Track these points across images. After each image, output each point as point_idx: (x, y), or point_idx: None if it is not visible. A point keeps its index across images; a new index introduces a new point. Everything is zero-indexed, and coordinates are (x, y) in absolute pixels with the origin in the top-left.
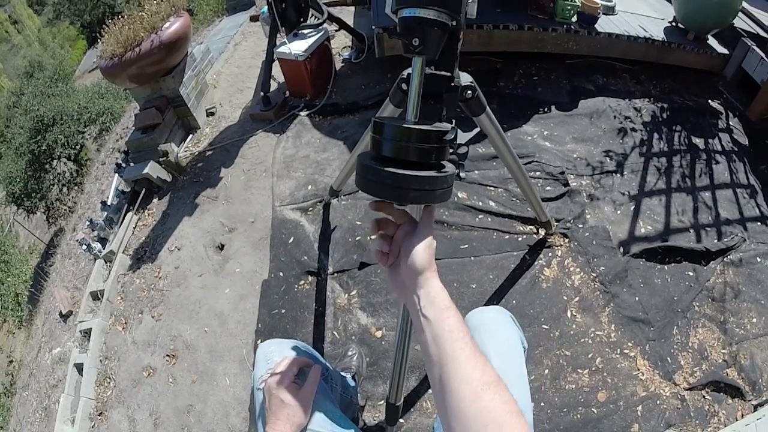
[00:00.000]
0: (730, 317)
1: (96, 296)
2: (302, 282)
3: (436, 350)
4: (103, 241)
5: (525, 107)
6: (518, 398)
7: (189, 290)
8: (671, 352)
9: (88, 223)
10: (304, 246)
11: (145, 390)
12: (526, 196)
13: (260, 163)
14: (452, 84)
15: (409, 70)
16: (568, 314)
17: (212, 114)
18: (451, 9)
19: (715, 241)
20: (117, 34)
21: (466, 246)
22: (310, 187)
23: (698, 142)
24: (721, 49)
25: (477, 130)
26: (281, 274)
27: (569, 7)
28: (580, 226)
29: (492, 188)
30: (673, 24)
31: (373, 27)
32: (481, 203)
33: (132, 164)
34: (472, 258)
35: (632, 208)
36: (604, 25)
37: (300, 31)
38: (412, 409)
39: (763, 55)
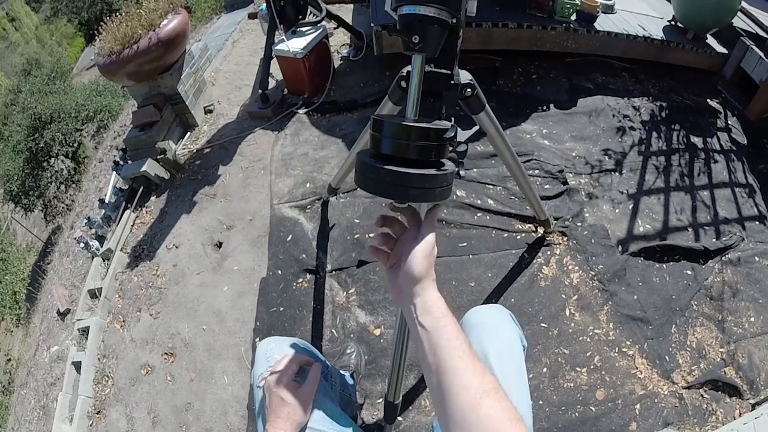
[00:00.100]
0: (728, 316)
1: (94, 294)
2: (300, 280)
3: (434, 359)
4: (101, 239)
5: (524, 105)
6: (518, 397)
7: (187, 288)
8: (669, 351)
9: (85, 221)
10: (303, 244)
11: (143, 388)
12: (524, 194)
13: (258, 161)
14: (452, 82)
15: (409, 68)
16: (567, 312)
17: (210, 111)
18: (451, 6)
19: (714, 240)
20: (115, 32)
21: (465, 244)
22: (308, 184)
23: (697, 141)
24: (720, 49)
25: (476, 128)
26: (279, 272)
27: (568, 6)
28: (579, 224)
29: (491, 186)
30: (672, 23)
31: (372, 24)
32: (479, 201)
33: (130, 162)
34: (471, 256)
35: (631, 206)
36: (603, 23)
37: (298, 29)
38: (410, 407)
39: (762, 55)
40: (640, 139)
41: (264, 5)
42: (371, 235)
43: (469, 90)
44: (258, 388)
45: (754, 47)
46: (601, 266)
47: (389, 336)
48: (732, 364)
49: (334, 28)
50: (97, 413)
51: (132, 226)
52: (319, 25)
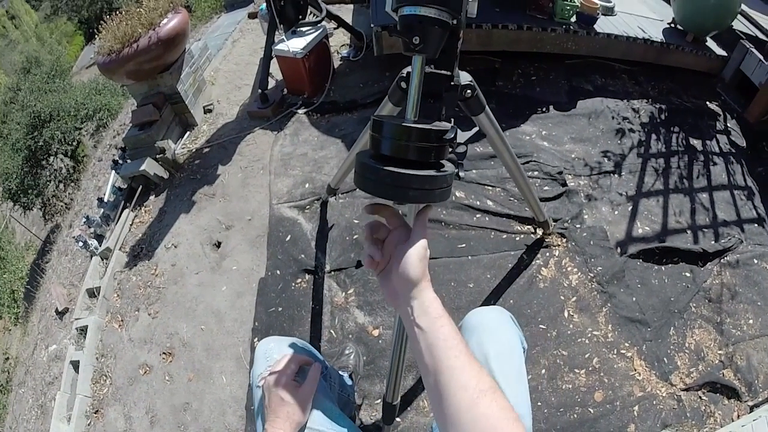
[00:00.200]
0: (726, 318)
1: (92, 293)
2: (299, 280)
3: (431, 359)
4: (100, 238)
5: (523, 107)
6: (517, 398)
7: (186, 288)
8: (668, 353)
9: (84, 219)
10: (302, 244)
11: (141, 388)
12: (524, 195)
13: (258, 161)
14: (452, 83)
15: (409, 69)
16: (566, 314)
17: (210, 111)
18: (451, 7)
19: (712, 242)
20: (114, 30)
21: (464, 245)
22: (307, 185)
23: (696, 143)
24: (720, 51)
25: (476, 129)
26: (278, 272)
27: (568, 8)
28: (578, 226)
29: (490, 188)
30: (672, 25)
31: (372, 25)
32: (479, 202)
33: (129, 161)
34: (470, 257)
35: (630, 208)
36: (603, 25)
37: (298, 29)
38: (409, 408)
39: (762, 58)
40: (640, 141)
41: (264, 5)
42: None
43: (469, 91)
44: (257, 387)
45: (754, 50)
46: (599, 268)
47: (388, 337)
48: (730, 366)
49: (334, 29)
50: (95, 412)
51: (131, 225)
52: (319, 25)
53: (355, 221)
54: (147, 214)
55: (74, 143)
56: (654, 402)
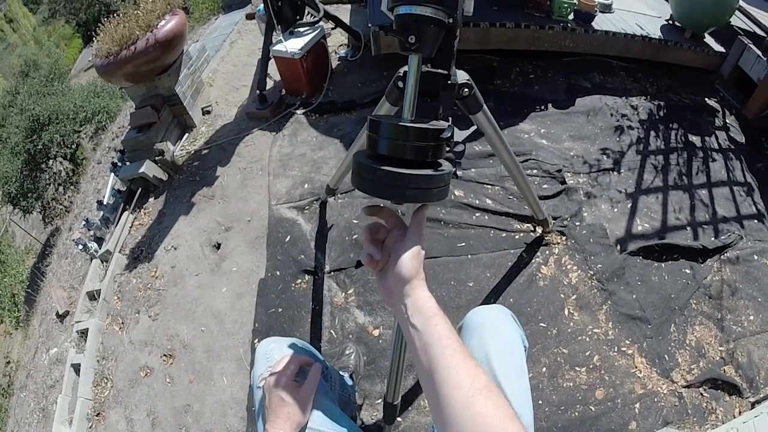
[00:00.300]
0: (727, 315)
1: (92, 296)
2: (299, 281)
3: (426, 358)
4: (100, 240)
5: (522, 105)
6: (519, 397)
7: (186, 290)
8: (669, 350)
9: (84, 222)
10: (301, 245)
11: (142, 390)
12: (523, 193)
13: (256, 162)
14: (449, 82)
15: (406, 68)
16: (566, 312)
17: (208, 112)
18: (447, 6)
19: (712, 238)
20: (112, 33)
21: (463, 244)
22: (306, 185)
23: (695, 140)
24: (718, 48)
25: (474, 128)
26: (278, 273)
27: (566, 5)
28: (577, 223)
29: (489, 186)
30: (670, 22)
31: (370, 25)
32: (478, 201)
33: (128, 163)
34: (469, 256)
35: (629, 205)
36: (600, 23)
37: (296, 29)
38: (409, 408)
39: (760, 53)
40: (639, 138)
41: (261, 6)
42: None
43: (466, 90)
44: (258, 388)
45: (752, 46)
46: (599, 265)
47: (388, 337)
48: (731, 362)
49: (332, 29)
50: (97, 415)
51: (130, 227)
52: (316, 25)
53: (355, 221)
54: (146, 216)
55: (73, 146)
56: (655, 399)
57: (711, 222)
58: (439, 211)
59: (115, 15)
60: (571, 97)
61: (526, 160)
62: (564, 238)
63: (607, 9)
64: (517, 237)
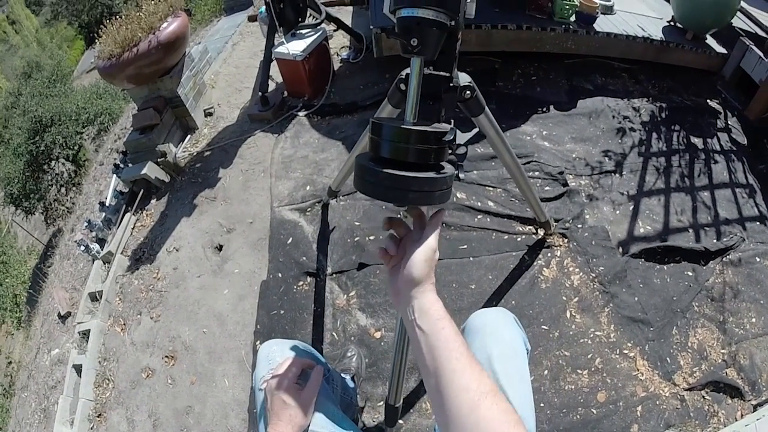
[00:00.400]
0: (729, 317)
1: (94, 297)
2: (301, 283)
3: (431, 361)
4: (102, 242)
5: (523, 107)
6: (521, 400)
7: (188, 291)
8: (671, 353)
9: (86, 223)
10: (303, 247)
11: (143, 391)
12: (525, 196)
13: (258, 164)
14: (451, 84)
15: (408, 71)
16: (568, 314)
17: (210, 114)
18: (449, 9)
19: (714, 240)
20: (115, 35)
21: (465, 246)
22: (308, 187)
23: (697, 141)
24: (720, 49)
25: (476, 130)
26: (280, 274)
27: (567, 7)
28: (579, 226)
29: (491, 188)
30: (672, 23)
31: (372, 27)
32: (480, 203)
33: (130, 165)
34: (471, 258)
35: (631, 208)
36: (602, 24)
37: (298, 31)
38: (411, 411)
39: (762, 55)
40: (640, 140)
41: (263, 8)
42: (371, 237)
43: (468, 92)
44: (260, 390)
45: (754, 47)
46: (601, 268)
47: (390, 339)
48: (733, 365)
49: (334, 31)
50: (98, 416)
51: (132, 229)
52: (318, 27)
53: (356, 223)
54: (148, 218)
55: (75, 147)
56: (657, 402)
57: (713, 224)
58: (444, 214)
59: (117, 17)
60: (572, 99)
61: (527, 162)
62: (566, 240)
63: (608, 11)
64: (519, 239)
